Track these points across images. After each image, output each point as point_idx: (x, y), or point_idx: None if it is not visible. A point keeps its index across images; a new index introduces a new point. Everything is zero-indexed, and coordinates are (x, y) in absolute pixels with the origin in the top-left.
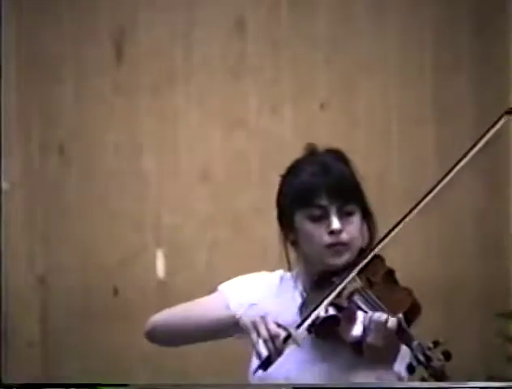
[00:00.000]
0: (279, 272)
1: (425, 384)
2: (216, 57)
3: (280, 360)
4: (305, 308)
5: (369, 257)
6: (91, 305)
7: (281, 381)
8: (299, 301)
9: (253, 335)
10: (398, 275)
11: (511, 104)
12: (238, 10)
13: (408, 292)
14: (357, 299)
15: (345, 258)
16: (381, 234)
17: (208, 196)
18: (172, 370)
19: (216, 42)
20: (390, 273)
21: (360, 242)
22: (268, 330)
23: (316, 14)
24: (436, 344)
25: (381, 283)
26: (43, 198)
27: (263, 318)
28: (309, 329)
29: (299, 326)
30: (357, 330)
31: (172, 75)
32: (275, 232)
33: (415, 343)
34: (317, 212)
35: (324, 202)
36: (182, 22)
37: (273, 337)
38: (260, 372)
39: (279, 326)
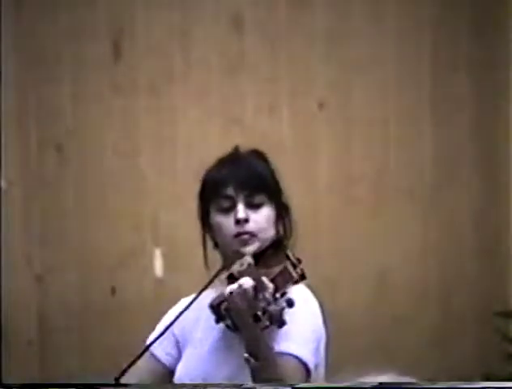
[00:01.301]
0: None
1: (425, 384)
2: (214, 55)
3: (195, 363)
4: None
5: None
6: (89, 304)
7: (199, 381)
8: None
9: None
10: (399, 276)
11: (511, 103)
12: (236, 9)
13: (283, 263)
14: (246, 275)
15: (252, 247)
16: (381, 233)
17: None
18: None
19: (214, 41)
20: (287, 256)
21: (270, 234)
22: None
23: (314, 13)
24: (283, 294)
25: (274, 264)
26: (41, 197)
27: None
28: (217, 320)
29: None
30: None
31: (169, 74)
32: None
33: (267, 299)
34: (225, 203)
35: (231, 192)
36: (180, 21)
37: None
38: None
39: None
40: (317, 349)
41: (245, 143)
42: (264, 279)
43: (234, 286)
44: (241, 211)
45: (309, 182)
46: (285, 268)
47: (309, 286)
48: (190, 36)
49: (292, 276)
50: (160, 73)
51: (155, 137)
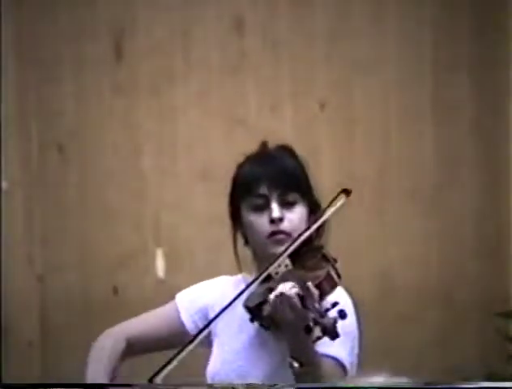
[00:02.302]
0: (238, 276)
1: (425, 384)
2: (215, 56)
3: (230, 358)
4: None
5: (296, 244)
6: (90, 304)
7: (233, 377)
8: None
9: None
10: (400, 276)
11: (511, 103)
12: (237, 9)
13: (326, 266)
14: (286, 279)
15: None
16: (382, 233)
17: (207, 195)
18: (172, 370)
19: (215, 41)
20: (324, 257)
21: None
22: None
23: (315, 13)
24: (334, 304)
25: (313, 266)
26: (42, 197)
27: None
28: (251, 319)
29: (252, 322)
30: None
31: (171, 74)
32: None
33: (317, 310)
34: (258, 202)
35: (265, 190)
36: (181, 20)
37: None
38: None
39: None
40: (352, 348)
41: (247, 144)
42: (310, 286)
43: (279, 292)
44: (276, 210)
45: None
46: (329, 273)
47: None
48: (191, 36)
49: (335, 282)
50: (161, 73)
51: (157, 137)
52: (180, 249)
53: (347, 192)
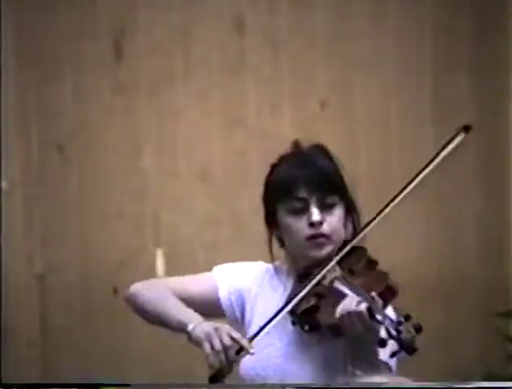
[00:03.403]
0: (276, 264)
1: (425, 384)
2: (215, 55)
3: (265, 354)
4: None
5: (347, 248)
6: (90, 304)
7: (270, 373)
8: (282, 294)
9: (206, 347)
10: (400, 276)
11: (511, 103)
12: (237, 9)
13: (385, 275)
14: (337, 285)
15: (327, 250)
16: (383, 233)
17: (207, 195)
18: (173, 369)
19: (215, 41)
20: (371, 262)
21: (342, 235)
22: (222, 342)
23: (315, 13)
24: (407, 318)
25: (362, 270)
26: (42, 197)
27: (217, 329)
28: (293, 321)
29: (254, 336)
30: (334, 314)
31: (171, 74)
32: None
33: (388, 321)
34: (297, 205)
35: (304, 194)
36: (181, 20)
37: (226, 349)
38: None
39: (232, 338)
40: None
41: (247, 143)
42: (375, 296)
43: (347, 310)
44: (316, 213)
45: None
46: (388, 282)
47: None
48: (192, 35)
49: (395, 290)
50: (161, 73)
51: (157, 137)
52: (180, 249)
53: (467, 129)
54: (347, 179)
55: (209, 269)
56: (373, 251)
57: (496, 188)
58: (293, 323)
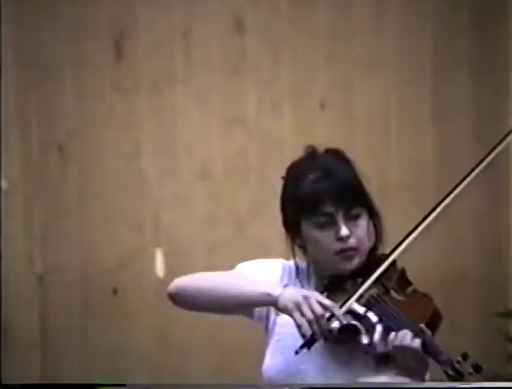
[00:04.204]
0: (296, 262)
1: (425, 384)
2: (215, 55)
3: (294, 360)
4: None
5: (386, 265)
6: (90, 304)
7: (297, 380)
8: None
9: (297, 316)
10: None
11: (511, 103)
12: (237, 8)
13: (428, 299)
14: (375, 308)
15: (355, 262)
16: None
17: (207, 195)
18: (172, 370)
19: (215, 40)
20: (403, 275)
21: (367, 244)
22: (312, 310)
23: (315, 12)
24: (465, 356)
25: (397, 288)
26: (42, 197)
27: (306, 298)
28: (326, 336)
29: (342, 305)
30: (376, 342)
31: (171, 74)
32: (275, 231)
33: (443, 357)
34: (323, 219)
35: (330, 209)
36: (181, 20)
37: (318, 317)
38: (305, 350)
39: (322, 305)
40: None
41: (247, 143)
42: (424, 328)
43: (400, 340)
44: (344, 228)
45: None
46: (434, 308)
47: None
48: (192, 35)
49: (441, 316)
50: (161, 73)
51: (157, 137)
52: (180, 249)
53: None
54: (364, 182)
55: (209, 269)
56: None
57: (496, 188)
58: (325, 338)
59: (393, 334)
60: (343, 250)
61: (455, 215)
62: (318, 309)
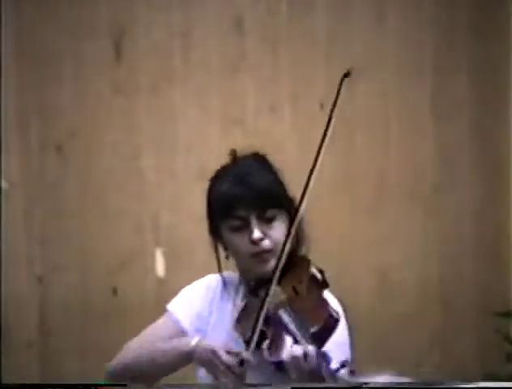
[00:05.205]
0: (225, 274)
1: (425, 384)
2: (215, 56)
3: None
4: (246, 314)
5: (280, 266)
6: (90, 304)
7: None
8: (239, 304)
9: (211, 371)
10: (399, 276)
11: (511, 104)
12: (236, 9)
13: (324, 301)
14: (281, 314)
15: (271, 264)
16: (382, 233)
17: None
18: None
19: (215, 41)
20: (314, 279)
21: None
22: (222, 363)
23: (315, 13)
24: (343, 364)
25: (305, 292)
26: (41, 197)
27: (214, 353)
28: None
29: (249, 343)
30: (280, 353)
31: (170, 74)
32: None
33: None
34: (237, 223)
35: (243, 213)
36: (181, 21)
37: (229, 368)
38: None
39: (229, 353)
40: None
41: (246, 144)
42: (317, 330)
43: (292, 356)
44: (256, 231)
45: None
46: (329, 312)
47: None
48: (191, 36)
49: (336, 319)
50: (160, 73)
51: (156, 137)
52: (179, 249)
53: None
54: (287, 187)
55: (209, 269)
56: (372, 251)
57: (495, 188)
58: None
59: (286, 344)
60: (257, 253)
61: (454, 215)
62: (227, 360)
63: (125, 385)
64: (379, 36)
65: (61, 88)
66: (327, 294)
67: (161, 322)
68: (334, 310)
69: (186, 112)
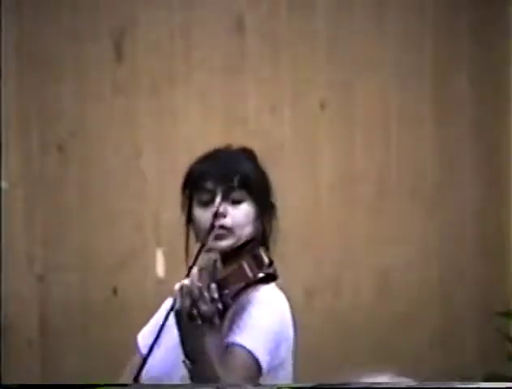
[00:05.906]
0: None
1: (425, 384)
2: (216, 56)
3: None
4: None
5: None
6: (90, 304)
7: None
8: None
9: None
10: (400, 276)
11: (511, 103)
12: (237, 10)
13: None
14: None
15: (227, 242)
16: (382, 233)
17: None
18: None
19: (216, 41)
20: (256, 257)
21: (248, 231)
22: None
23: (315, 14)
24: (235, 296)
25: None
26: (42, 197)
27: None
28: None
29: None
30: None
31: (171, 75)
32: None
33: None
34: (205, 197)
35: (211, 186)
36: (181, 21)
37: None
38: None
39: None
40: (275, 350)
41: (247, 143)
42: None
43: (176, 286)
44: (219, 205)
45: (311, 182)
46: (240, 267)
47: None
48: (192, 36)
49: (246, 276)
50: (161, 73)
51: (157, 137)
52: (180, 249)
53: None
54: (269, 184)
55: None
56: (373, 251)
57: (496, 188)
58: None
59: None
60: (213, 226)
61: (455, 214)
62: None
63: (125, 385)
64: (379, 35)
65: (61, 89)
66: (273, 289)
67: (131, 361)
68: (257, 271)
69: (187, 112)
